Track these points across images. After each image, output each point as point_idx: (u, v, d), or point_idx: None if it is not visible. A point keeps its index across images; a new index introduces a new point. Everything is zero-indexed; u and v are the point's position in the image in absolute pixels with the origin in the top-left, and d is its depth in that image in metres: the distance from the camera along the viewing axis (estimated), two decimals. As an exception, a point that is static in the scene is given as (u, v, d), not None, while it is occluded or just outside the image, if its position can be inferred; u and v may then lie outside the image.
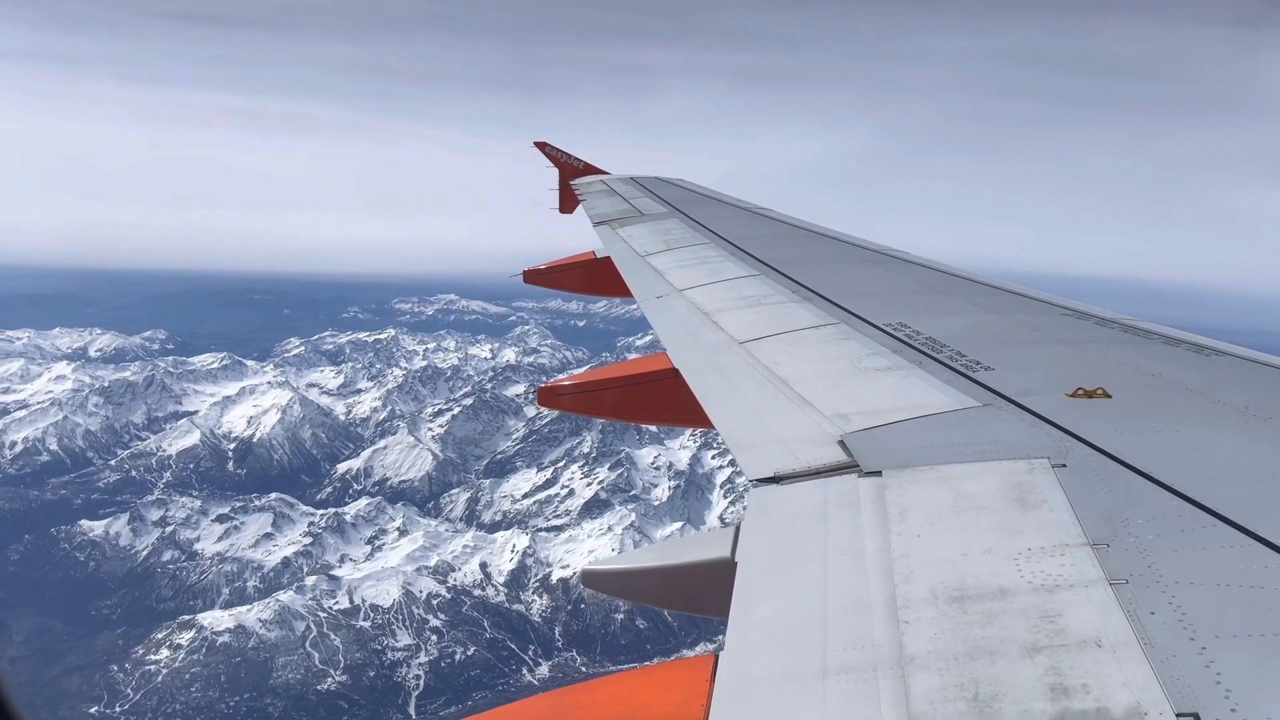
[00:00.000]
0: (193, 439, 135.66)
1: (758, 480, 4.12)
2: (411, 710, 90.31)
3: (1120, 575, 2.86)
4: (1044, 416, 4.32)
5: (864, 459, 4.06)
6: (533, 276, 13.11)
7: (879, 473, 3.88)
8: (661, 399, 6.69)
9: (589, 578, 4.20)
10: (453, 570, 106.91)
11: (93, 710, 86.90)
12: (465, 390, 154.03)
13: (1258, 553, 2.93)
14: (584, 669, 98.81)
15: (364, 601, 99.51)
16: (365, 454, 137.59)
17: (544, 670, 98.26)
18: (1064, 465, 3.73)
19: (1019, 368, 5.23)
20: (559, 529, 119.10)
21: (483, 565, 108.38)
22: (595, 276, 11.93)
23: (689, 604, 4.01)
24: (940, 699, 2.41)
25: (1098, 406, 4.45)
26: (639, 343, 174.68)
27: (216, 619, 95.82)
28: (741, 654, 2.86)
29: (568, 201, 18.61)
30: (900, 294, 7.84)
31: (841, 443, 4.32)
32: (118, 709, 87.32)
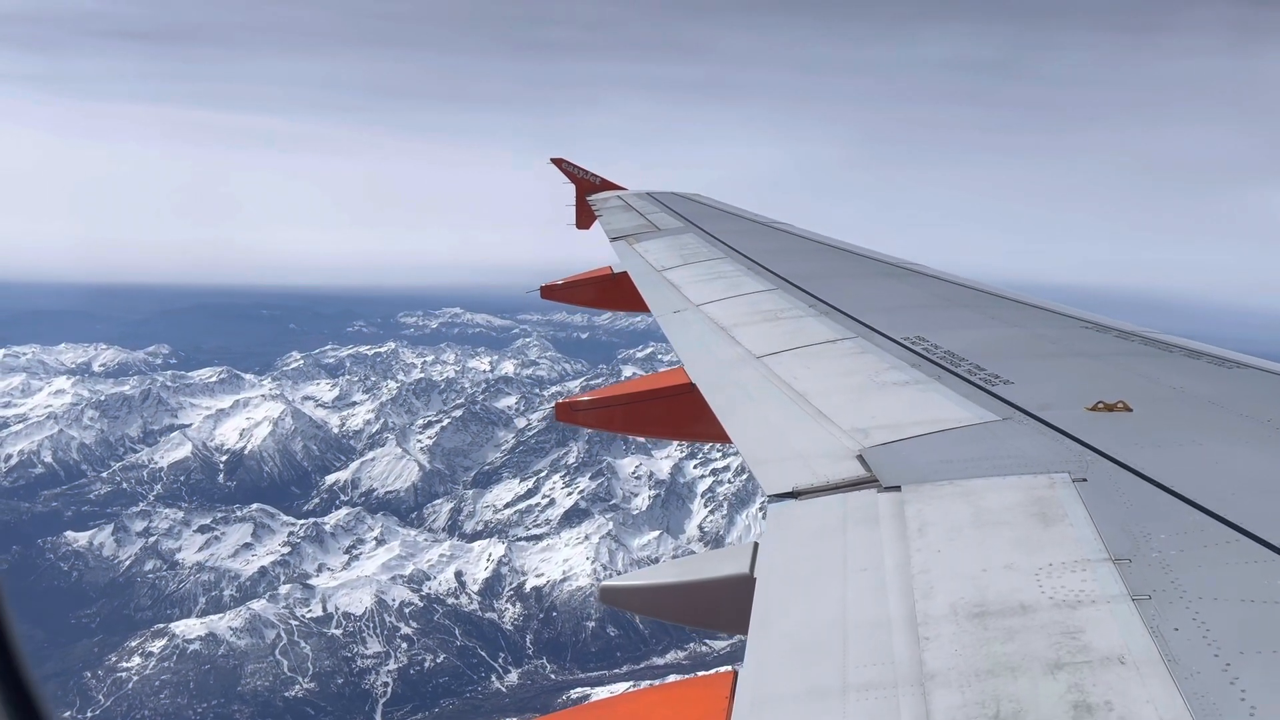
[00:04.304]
0: (184, 451, 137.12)
1: (776, 495, 4.11)
2: (378, 717, 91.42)
3: (1143, 591, 2.83)
4: (1064, 430, 4.29)
5: (883, 474, 4.04)
6: (549, 292, 13.15)
7: (898, 487, 3.87)
8: (679, 414, 6.69)
9: (607, 594, 4.19)
10: (427, 579, 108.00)
11: (65, 716, 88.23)
12: (457, 402, 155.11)
13: (1283, 568, 2.90)
14: (553, 676, 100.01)
15: (336, 609, 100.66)
16: (353, 465, 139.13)
17: (513, 678, 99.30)
18: (1085, 480, 3.71)
19: (1038, 381, 5.20)
20: (537, 538, 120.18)
21: (458, 574, 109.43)
22: (612, 292, 11.96)
23: (707, 620, 4.00)
24: (961, 716, 2.40)
25: (1118, 420, 4.42)
26: (640, 355, 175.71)
27: (188, 627, 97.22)
28: (760, 671, 2.85)
29: (584, 217, 18.66)
30: (917, 307, 7.82)
31: (860, 457, 4.31)
32: (89, 714, 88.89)
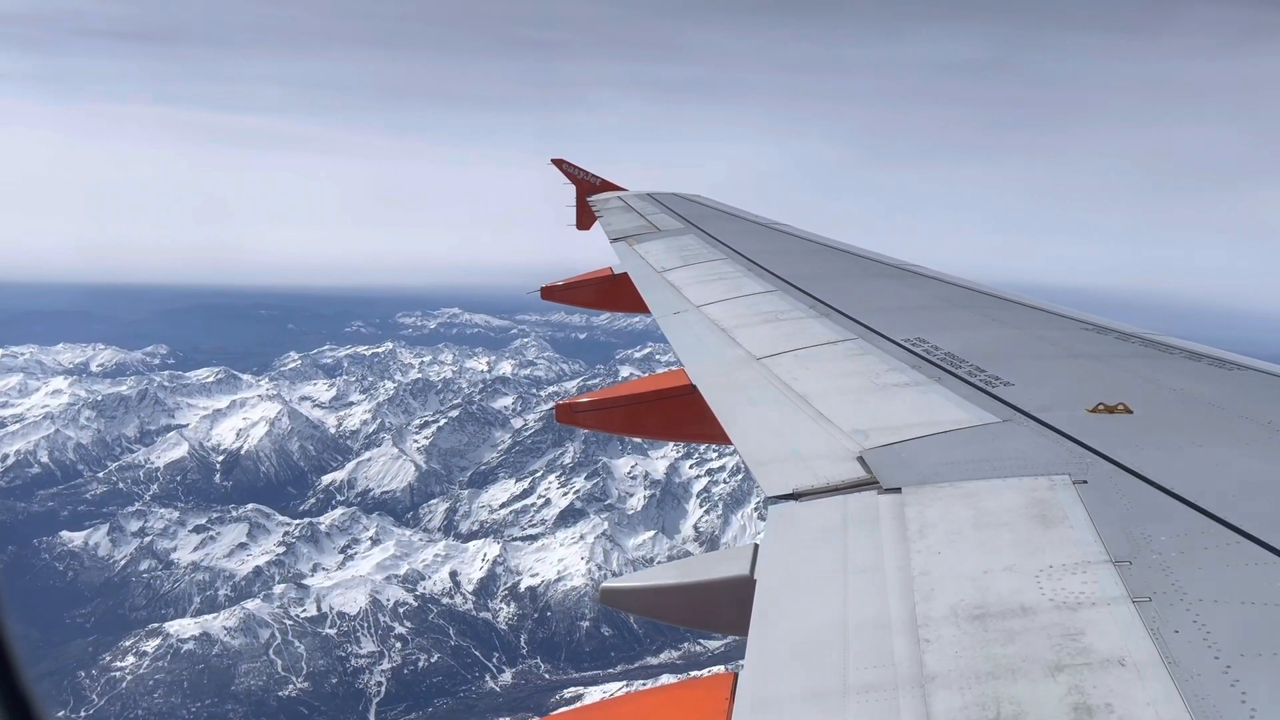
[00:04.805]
0: (181, 451, 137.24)
1: (776, 497, 4.11)
2: (371, 716, 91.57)
3: (1143, 593, 2.83)
4: (1064, 432, 4.29)
5: (883, 475, 4.04)
6: (550, 293, 13.12)
7: (898, 489, 3.86)
8: (679, 415, 6.68)
9: (608, 595, 4.19)
10: (422, 579, 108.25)
11: (59, 715, 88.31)
12: (454, 402, 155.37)
13: (1283, 570, 2.90)
14: (547, 676, 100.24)
15: (331, 609, 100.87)
16: (350, 466, 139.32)
17: (507, 677, 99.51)
18: (1085, 482, 3.71)
19: (1039, 383, 5.19)
20: (532, 538, 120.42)
21: (453, 574, 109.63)
22: (612, 292, 11.94)
23: (708, 621, 4.00)
24: (962, 718, 2.40)
25: (1119, 422, 4.42)
26: (638, 355, 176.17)
27: (183, 627, 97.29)
28: (761, 673, 2.85)
29: (585, 218, 18.66)
30: (918, 309, 7.81)
31: (860, 459, 4.30)
32: (82, 714, 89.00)
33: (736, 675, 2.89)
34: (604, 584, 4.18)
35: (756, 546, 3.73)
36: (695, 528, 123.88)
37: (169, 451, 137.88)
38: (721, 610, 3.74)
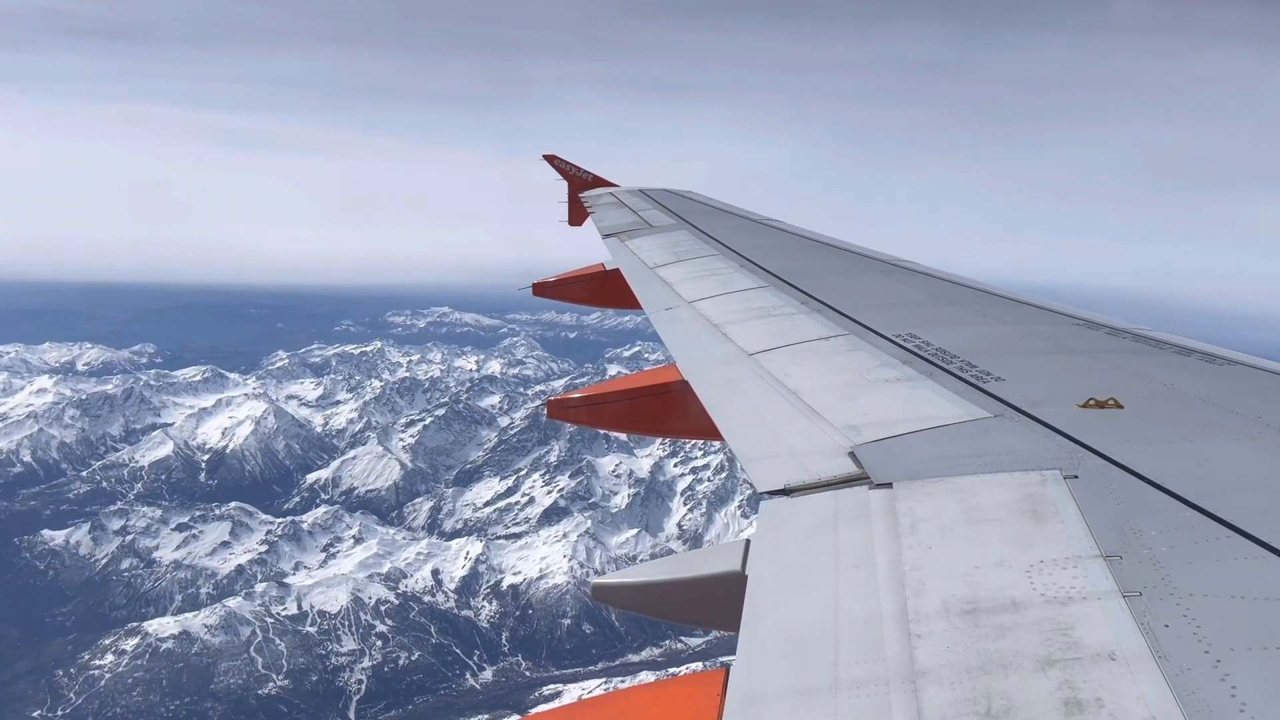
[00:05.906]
0: (165, 450, 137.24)
1: (768, 492, 4.10)
2: (351, 714, 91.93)
3: (1134, 588, 2.83)
4: (1055, 427, 4.29)
5: (874, 470, 4.04)
6: (541, 289, 13.09)
7: (889, 484, 3.86)
8: (671, 411, 6.67)
9: (599, 591, 4.18)
10: (404, 577, 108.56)
11: (35, 714, 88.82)
12: (441, 401, 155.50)
13: (1273, 564, 2.91)
14: (528, 674, 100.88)
15: (312, 608, 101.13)
16: (335, 464, 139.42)
17: (488, 675, 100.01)
18: (1076, 476, 3.71)
19: (1030, 378, 5.19)
20: (515, 536, 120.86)
21: (435, 572, 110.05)
22: (604, 289, 11.90)
23: (699, 617, 3.99)
24: (952, 713, 2.39)
25: (1109, 417, 4.42)
26: (626, 354, 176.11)
27: (162, 625, 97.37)
28: (752, 668, 2.84)
29: (577, 214, 18.63)
30: (910, 305, 7.80)
31: (852, 454, 4.30)
32: (59, 712, 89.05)
33: (728, 671, 2.88)
34: (595, 580, 4.16)
35: (748, 542, 3.72)
36: (679, 526, 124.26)
37: (154, 450, 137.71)
38: (712, 606, 3.73)
